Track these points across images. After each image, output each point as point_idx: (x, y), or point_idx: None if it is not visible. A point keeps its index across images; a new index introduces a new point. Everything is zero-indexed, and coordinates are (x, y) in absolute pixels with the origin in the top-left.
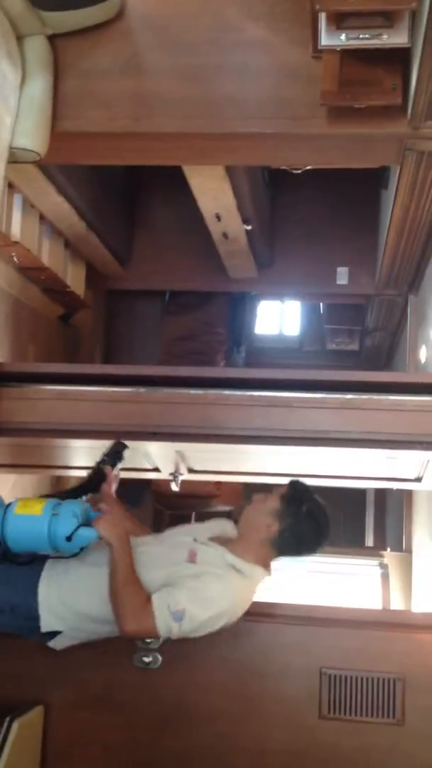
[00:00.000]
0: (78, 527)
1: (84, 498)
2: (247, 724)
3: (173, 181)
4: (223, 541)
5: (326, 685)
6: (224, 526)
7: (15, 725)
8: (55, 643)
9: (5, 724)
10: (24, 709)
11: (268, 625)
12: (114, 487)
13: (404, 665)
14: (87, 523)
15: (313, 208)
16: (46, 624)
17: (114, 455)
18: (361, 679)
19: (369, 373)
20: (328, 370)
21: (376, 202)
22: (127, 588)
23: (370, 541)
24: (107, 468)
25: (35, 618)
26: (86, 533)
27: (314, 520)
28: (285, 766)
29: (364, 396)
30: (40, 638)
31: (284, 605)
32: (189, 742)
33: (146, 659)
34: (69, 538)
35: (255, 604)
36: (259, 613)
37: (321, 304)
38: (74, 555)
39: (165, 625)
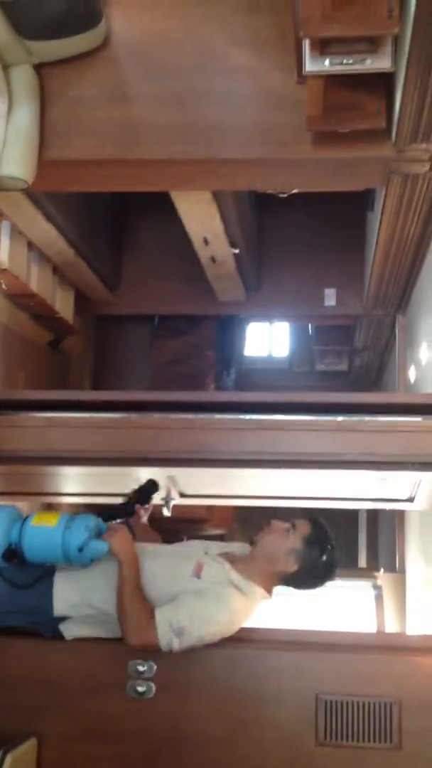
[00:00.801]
0: (89, 539)
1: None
2: (242, 750)
3: (161, 205)
4: (231, 558)
5: (322, 710)
6: (242, 548)
7: (8, 759)
8: (64, 628)
9: None
10: (17, 742)
11: (263, 651)
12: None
13: (401, 689)
14: (98, 536)
15: (300, 230)
16: (59, 610)
17: (145, 495)
18: (358, 704)
19: (360, 394)
20: (318, 392)
21: (362, 224)
22: (134, 603)
23: (363, 561)
24: (137, 507)
25: (50, 609)
26: (97, 545)
27: (330, 566)
28: None
29: (356, 418)
30: (53, 630)
31: (279, 630)
32: None
33: (140, 689)
34: (81, 549)
35: (249, 630)
36: (253, 639)
37: (310, 325)
38: (84, 567)
39: (166, 640)
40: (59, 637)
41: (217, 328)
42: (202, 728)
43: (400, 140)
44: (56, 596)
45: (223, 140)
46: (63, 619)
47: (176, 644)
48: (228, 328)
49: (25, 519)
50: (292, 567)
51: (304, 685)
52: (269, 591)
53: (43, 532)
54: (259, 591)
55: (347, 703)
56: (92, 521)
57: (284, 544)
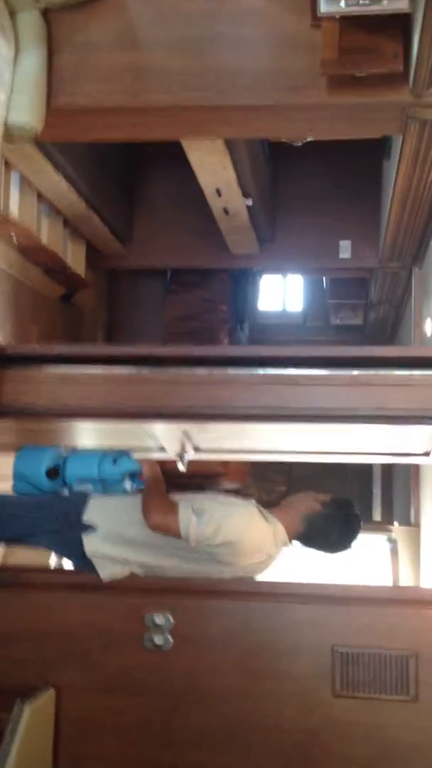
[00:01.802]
0: (123, 457)
1: None
2: (259, 703)
3: (173, 157)
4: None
5: (338, 662)
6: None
7: (27, 709)
8: (87, 540)
9: (17, 709)
10: (35, 693)
11: (279, 605)
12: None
13: (417, 641)
14: (131, 475)
15: (315, 181)
16: (88, 517)
17: None
18: (374, 656)
19: (375, 348)
20: (333, 346)
21: (378, 174)
22: (159, 492)
23: (377, 515)
24: None
25: (81, 513)
26: (130, 461)
27: (348, 527)
28: (299, 744)
29: (371, 372)
30: (78, 541)
31: (295, 584)
32: (201, 722)
33: (157, 641)
34: (115, 461)
35: (265, 584)
36: (269, 592)
37: (324, 278)
38: (117, 487)
39: (186, 518)
40: (81, 555)
41: (231, 283)
42: (218, 681)
43: (418, 85)
44: (89, 505)
45: (235, 86)
46: (89, 529)
47: (194, 525)
48: (241, 283)
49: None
50: (316, 508)
51: (321, 638)
52: (290, 534)
53: (84, 453)
54: (280, 525)
55: (363, 656)
56: (122, 460)
57: (314, 497)
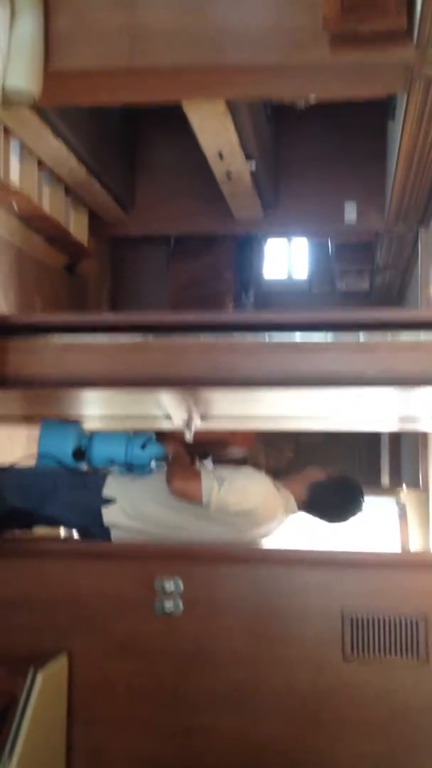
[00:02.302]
0: (150, 441)
1: None
2: (270, 666)
3: (174, 121)
4: None
5: (348, 626)
6: None
7: (40, 675)
8: (107, 511)
9: (30, 675)
10: (48, 659)
11: (289, 569)
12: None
13: (427, 605)
14: (157, 458)
15: (318, 144)
16: (107, 491)
17: None
18: (384, 619)
19: (382, 311)
20: (339, 310)
21: (383, 136)
22: (181, 462)
23: (385, 480)
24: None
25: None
26: (156, 447)
27: (349, 498)
28: (309, 707)
29: (378, 335)
30: (99, 523)
31: (304, 550)
32: (212, 685)
33: (167, 607)
34: (143, 446)
35: (275, 550)
36: (279, 557)
37: (330, 244)
38: (143, 470)
39: (208, 485)
40: (100, 525)
41: (235, 250)
42: (228, 645)
43: (422, 42)
44: (108, 480)
45: (235, 45)
46: (108, 502)
47: (215, 490)
48: (246, 250)
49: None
50: (321, 477)
51: (330, 602)
52: (297, 503)
53: (111, 434)
54: (291, 496)
55: (374, 619)
56: (147, 441)
57: (322, 469)
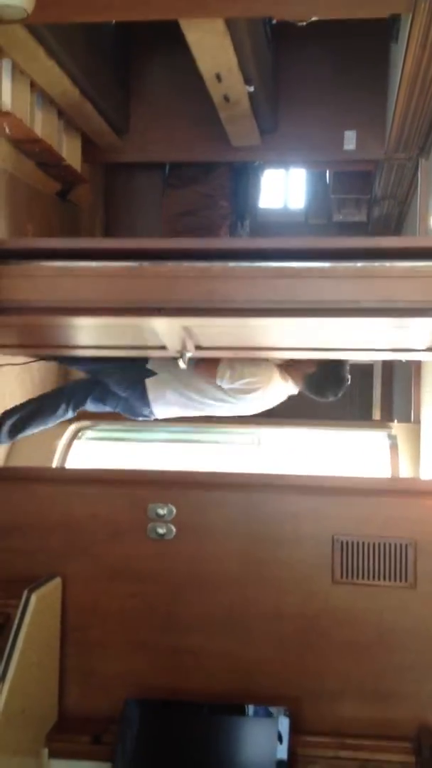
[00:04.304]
0: None
1: None
2: (260, 590)
3: (170, 42)
4: None
5: (338, 550)
6: None
7: (33, 597)
8: (149, 381)
9: (24, 597)
10: (42, 582)
11: (280, 495)
12: None
13: (416, 531)
14: None
15: (319, 67)
16: (151, 366)
17: None
18: (373, 544)
19: (379, 238)
20: (336, 237)
21: (385, 60)
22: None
23: (377, 415)
24: None
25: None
26: None
27: (339, 379)
28: (299, 629)
29: (375, 263)
30: (141, 388)
31: (295, 476)
32: (204, 608)
33: (160, 530)
34: None
35: (267, 475)
36: (271, 483)
37: (327, 173)
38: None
39: (223, 369)
40: (141, 390)
41: (231, 177)
42: (220, 569)
43: None
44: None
45: None
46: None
47: (228, 374)
48: (242, 178)
49: None
50: (311, 370)
51: (321, 527)
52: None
53: None
54: (291, 380)
55: (363, 544)
56: None
57: (312, 362)
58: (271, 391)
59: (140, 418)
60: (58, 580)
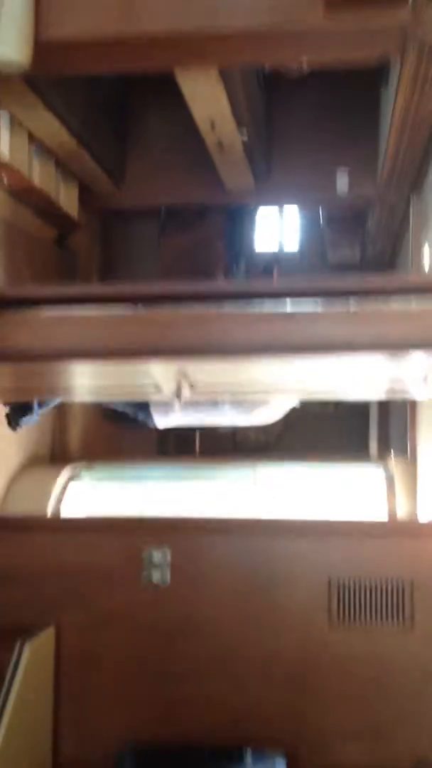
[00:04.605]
0: None
1: None
2: (257, 634)
3: (166, 92)
4: None
5: (335, 592)
6: None
7: (27, 648)
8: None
9: (17, 648)
10: (35, 631)
11: (276, 540)
12: None
13: (412, 570)
14: None
15: (311, 112)
16: None
17: None
18: (370, 585)
19: (371, 278)
20: (329, 278)
21: (376, 104)
22: None
23: (374, 449)
24: None
25: None
26: None
27: None
28: (296, 673)
29: (368, 302)
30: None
31: (290, 520)
32: (199, 653)
33: (155, 577)
34: None
35: (262, 520)
36: (266, 528)
37: (321, 215)
38: None
39: None
40: None
41: (227, 220)
42: (216, 614)
43: (418, 3)
44: None
45: (229, 10)
46: None
47: None
48: (237, 220)
49: None
50: None
51: (317, 570)
52: None
53: None
54: None
55: (360, 584)
56: None
57: None
58: (276, 403)
59: (143, 427)
60: (51, 630)
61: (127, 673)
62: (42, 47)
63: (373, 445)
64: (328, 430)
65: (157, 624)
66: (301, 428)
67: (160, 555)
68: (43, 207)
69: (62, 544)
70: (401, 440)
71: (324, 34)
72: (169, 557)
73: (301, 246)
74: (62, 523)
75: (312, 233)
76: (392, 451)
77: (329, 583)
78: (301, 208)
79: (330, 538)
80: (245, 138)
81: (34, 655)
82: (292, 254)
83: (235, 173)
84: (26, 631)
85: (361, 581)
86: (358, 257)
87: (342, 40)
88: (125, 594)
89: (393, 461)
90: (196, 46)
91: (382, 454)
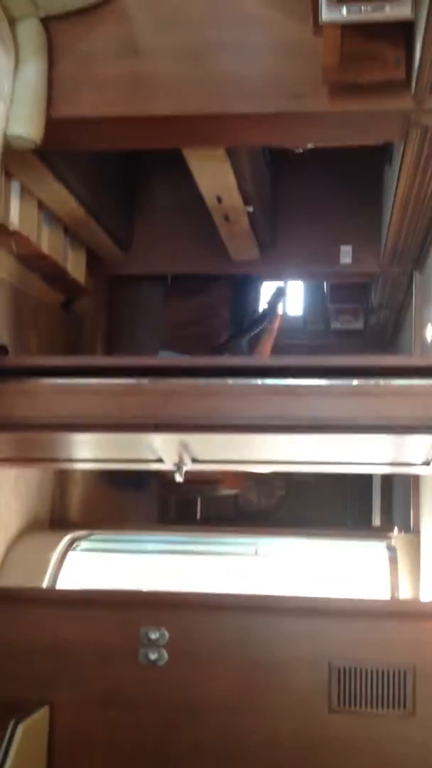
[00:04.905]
0: None
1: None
2: (255, 717)
3: (173, 162)
4: None
5: (335, 677)
6: None
7: (19, 729)
8: None
9: (9, 729)
10: (29, 711)
11: (276, 618)
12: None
13: (414, 655)
14: None
15: (316, 186)
16: None
17: (277, 297)
18: (371, 670)
19: (375, 357)
20: (333, 356)
21: (379, 179)
22: None
23: (377, 520)
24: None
25: None
26: None
27: None
28: (295, 760)
29: (371, 381)
30: None
31: (290, 597)
32: (197, 737)
33: (152, 656)
34: None
35: (261, 597)
36: (266, 605)
37: (325, 283)
38: None
39: None
40: None
41: (232, 288)
42: (214, 695)
43: (420, 91)
44: None
45: (236, 94)
46: None
47: None
48: (242, 288)
49: None
50: None
51: (317, 652)
52: None
53: None
54: None
55: (361, 670)
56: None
57: None
58: None
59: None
60: (45, 709)
61: (123, 755)
62: (53, 124)
63: (376, 514)
64: (330, 496)
65: (155, 704)
66: (303, 493)
67: (157, 633)
68: (51, 272)
69: (58, 618)
70: (404, 511)
71: (329, 119)
72: (166, 636)
73: (305, 311)
74: (58, 596)
75: (315, 299)
76: (395, 522)
77: (329, 666)
78: (305, 280)
79: (331, 619)
80: (251, 211)
81: (27, 736)
82: (296, 318)
83: (240, 245)
84: (19, 709)
85: (362, 666)
86: (361, 325)
87: (346, 125)
88: (122, 672)
89: (396, 537)
90: (205, 129)
91: (385, 525)
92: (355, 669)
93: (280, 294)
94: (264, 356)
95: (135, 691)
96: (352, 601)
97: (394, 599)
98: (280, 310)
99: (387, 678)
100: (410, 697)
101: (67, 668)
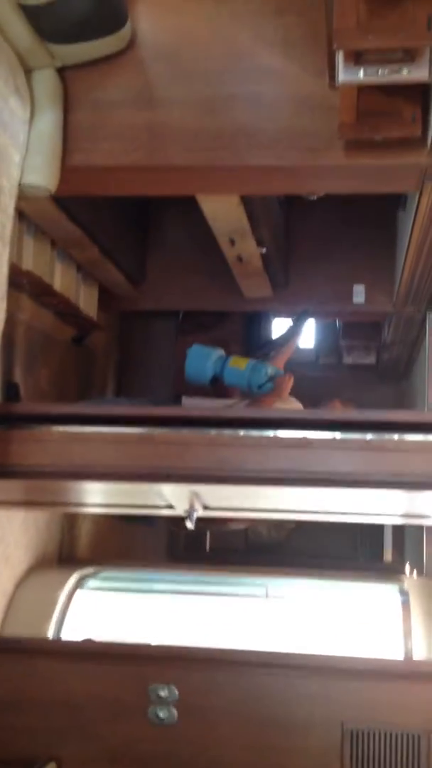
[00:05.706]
0: (266, 381)
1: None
2: None
3: (186, 201)
4: None
5: (348, 740)
6: None
7: None
8: None
9: None
10: (38, 767)
11: (287, 677)
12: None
13: (430, 719)
14: (273, 378)
15: (329, 227)
16: None
17: (302, 318)
18: (385, 734)
19: (389, 412)
20: (346, 411)
21: (393, 221)
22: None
23: (388, 556)
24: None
25: None
26: (270, 386)
27: None
28: None
29: (385, 436)
30: None
31: (303, 655)
32: None
33: (161, 714)
34: (260, 387)
35: (272, 654)
36: (277, 663)
37: (337, 320)
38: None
39: None
40: None
41: (244, 323)
42: (225, 755)
43: None
44: None
45: (251, 146)
46: None
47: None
48: (254, 323)
49: (226, 359)
50: None
51: (330, 713)
52: None
53: (236, 371)
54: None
55: (374, 734)
56: (270, 369)
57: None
58: None
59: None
60: (52, 765)
61: None
62: (68, 172)
63: (388, 550)
64: (341, 528)
65: (164, 762)
66: (313, 525)
67: (166, 690)
68: (63, 309)
69: (66, 672)
70: (417, 546)
71: (344, 172)
72: (176, 693)
73: (317, 345)
74: (66, 648)
75: (328, 334)
76: (407, 558)
77: (342, 728)
78: (318, 318)
79: (343, 679)
80: (264, 251)
81: None
82: (308, 352)
83: (253, 284)
84: (26, 764)
85: (375, 728)
86: (373, 359)
87: (361, 177)
88: (131, 729)
89: (408, 579)
90: (219, 180)
91: (397, 561)
92: (369, 732)
93: (305, 314)
94: (279, 365)
95: (144, 750)
96: (365, 660)
97: (408, 659)
98: (302, 330)
99: (401, 743)
100: (424, 763)
101: (74, 723)
